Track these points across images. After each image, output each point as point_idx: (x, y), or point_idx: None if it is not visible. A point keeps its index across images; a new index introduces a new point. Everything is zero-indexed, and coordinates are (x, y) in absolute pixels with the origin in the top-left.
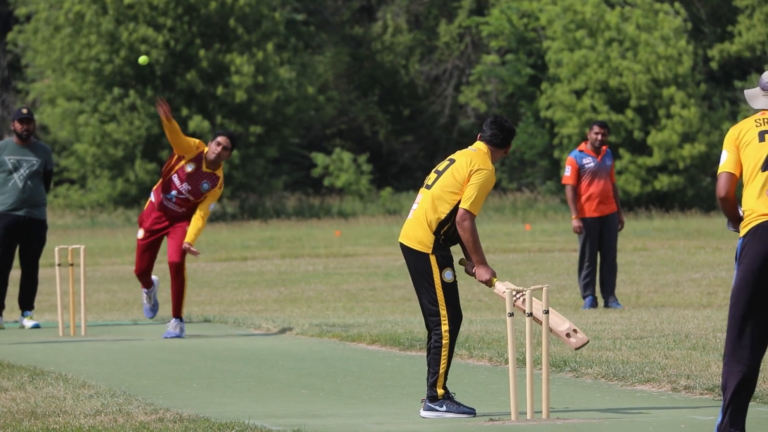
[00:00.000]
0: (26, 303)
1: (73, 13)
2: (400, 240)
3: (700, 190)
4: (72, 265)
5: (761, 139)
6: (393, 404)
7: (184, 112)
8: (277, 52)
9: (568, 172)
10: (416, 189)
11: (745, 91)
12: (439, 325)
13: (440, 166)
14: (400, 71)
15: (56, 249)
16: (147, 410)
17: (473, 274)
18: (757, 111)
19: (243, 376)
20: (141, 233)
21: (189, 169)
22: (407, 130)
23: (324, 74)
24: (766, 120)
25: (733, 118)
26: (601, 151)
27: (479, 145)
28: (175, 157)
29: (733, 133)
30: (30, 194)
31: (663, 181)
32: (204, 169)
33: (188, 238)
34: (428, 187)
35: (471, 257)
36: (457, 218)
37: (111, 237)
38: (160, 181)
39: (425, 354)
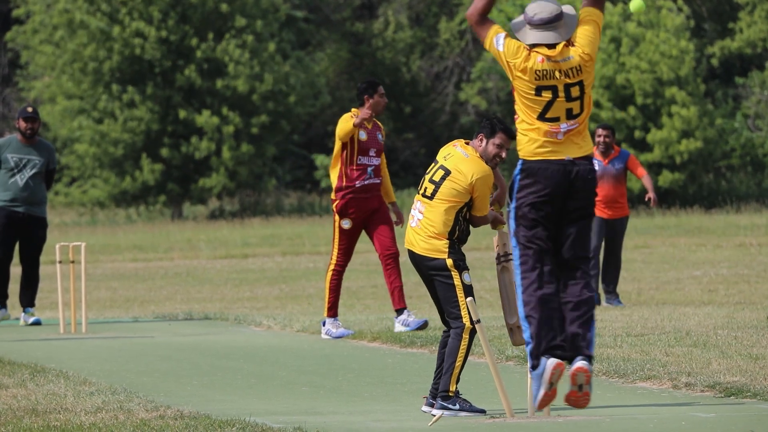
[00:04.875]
0: (27, 300)
1: (62, 12)
2: (410, 248)
3: (701, 188)
4: (73, 262)
5: (538, 94)
6: (394, 401)
7: (182, 114)
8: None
9: None
10: (417, 186)
11: (512, 23)
12: (461, 323)
13: (435, 176)
14: (401, 68)
15: (57, 246)
16: (148, 407)
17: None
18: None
19: (244, 373)
20: (348, 222)
21: (364, 137)
22: (408, 128)
23: (324, 71)
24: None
25: (733, 115)
26: (610, 154)
27: (470, 150)
28: (343, 145)
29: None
30: (31, 192)
31: (666, 177)
32: (370, 127)
33: (392, 198)
34: (427, 197)
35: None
36: (474, 224)
37: (111, 234)
38: (341, 176)
39: (427, 351)
